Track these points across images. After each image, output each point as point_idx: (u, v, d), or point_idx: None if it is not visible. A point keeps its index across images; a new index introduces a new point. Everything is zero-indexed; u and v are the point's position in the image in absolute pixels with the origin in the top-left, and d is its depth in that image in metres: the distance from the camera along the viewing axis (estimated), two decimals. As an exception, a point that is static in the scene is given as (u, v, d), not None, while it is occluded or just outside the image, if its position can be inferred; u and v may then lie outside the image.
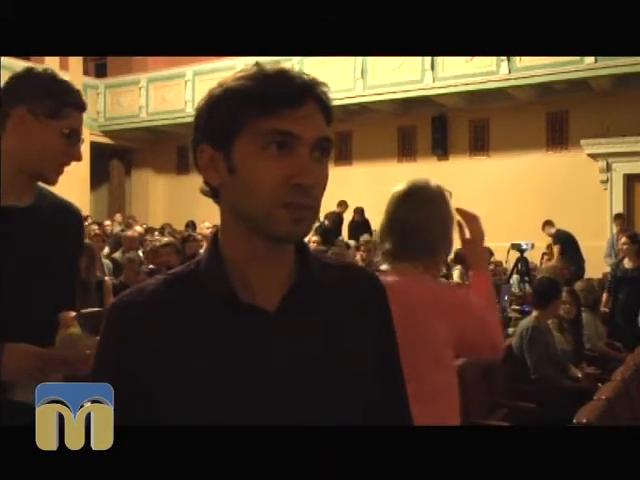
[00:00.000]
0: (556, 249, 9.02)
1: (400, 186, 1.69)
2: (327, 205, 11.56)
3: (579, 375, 4.38)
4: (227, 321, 0.88)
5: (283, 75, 0.86)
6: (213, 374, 0.86)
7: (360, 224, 10.85)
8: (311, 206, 0.87)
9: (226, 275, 0.89)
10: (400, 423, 1.02)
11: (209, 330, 0.88)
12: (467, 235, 1.75)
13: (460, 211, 1.74)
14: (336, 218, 11.02)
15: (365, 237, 7.60)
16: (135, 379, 0.87)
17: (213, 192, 0.92)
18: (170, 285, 0.92)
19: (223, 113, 0.87)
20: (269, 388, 0.87)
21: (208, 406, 0.86)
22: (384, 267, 1.71)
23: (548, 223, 9.45)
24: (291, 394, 0.88)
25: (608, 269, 7.93)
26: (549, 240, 9.35)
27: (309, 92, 0.87)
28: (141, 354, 0.87)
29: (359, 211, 11.15)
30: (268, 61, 0.91)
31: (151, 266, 5.77)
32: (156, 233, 9.80)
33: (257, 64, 0.89)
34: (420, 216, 1.63)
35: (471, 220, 1.73)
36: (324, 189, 0.89)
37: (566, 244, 9.02)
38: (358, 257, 6.60)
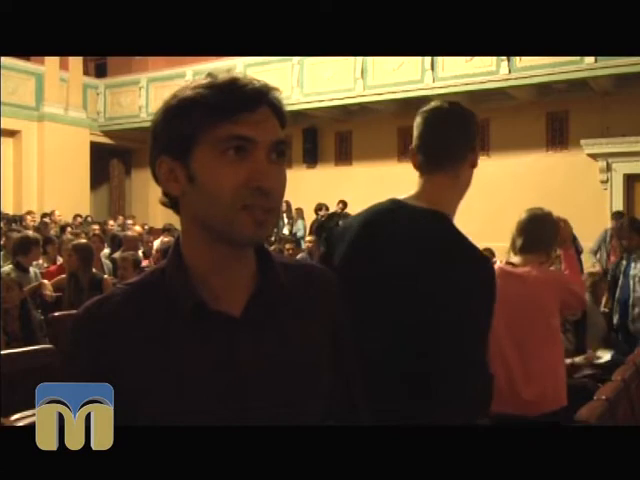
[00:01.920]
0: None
1: (523, 213, 2.87)
2: (328, 205, 11.58)
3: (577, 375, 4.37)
4: (195, 328, 0.89)
5: (235, 83, 0.89)
6: (183, 380, 0.87)
7: None
8: (272, 208, 0.89)
9: (192, 284, 0.91)
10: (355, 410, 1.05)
11: (177, 337, 0.89)
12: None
13: (558, 219, 2.85)
14: (334, 216, 11.05)
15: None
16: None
17: (172, 203, 0.94)
18: (136, 294, 0.93)
19: (180, 123, 0.89)
20: (238, 391, 0.89)
21: (179, 410, 0.86)
22: (515, 259, 2.80)
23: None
24: (260, 395, 0.90)
25: (599, 266, 7.94)
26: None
27: (262, 98, 0.90)
28: (110, 364, 0.87)
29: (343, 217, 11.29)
30: (222, 69, 0.93)
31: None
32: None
33: (209, 74, 0.91)
34: (536, 228, 2.79)
35: (562, 221, 2.85)
36: (283, 192, 0.91)
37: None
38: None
